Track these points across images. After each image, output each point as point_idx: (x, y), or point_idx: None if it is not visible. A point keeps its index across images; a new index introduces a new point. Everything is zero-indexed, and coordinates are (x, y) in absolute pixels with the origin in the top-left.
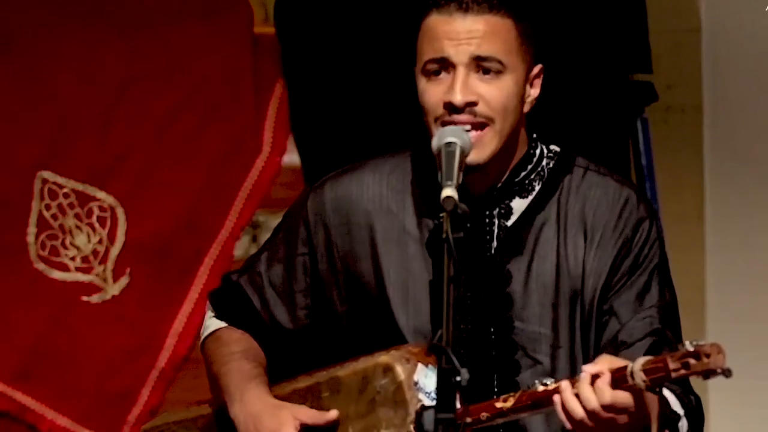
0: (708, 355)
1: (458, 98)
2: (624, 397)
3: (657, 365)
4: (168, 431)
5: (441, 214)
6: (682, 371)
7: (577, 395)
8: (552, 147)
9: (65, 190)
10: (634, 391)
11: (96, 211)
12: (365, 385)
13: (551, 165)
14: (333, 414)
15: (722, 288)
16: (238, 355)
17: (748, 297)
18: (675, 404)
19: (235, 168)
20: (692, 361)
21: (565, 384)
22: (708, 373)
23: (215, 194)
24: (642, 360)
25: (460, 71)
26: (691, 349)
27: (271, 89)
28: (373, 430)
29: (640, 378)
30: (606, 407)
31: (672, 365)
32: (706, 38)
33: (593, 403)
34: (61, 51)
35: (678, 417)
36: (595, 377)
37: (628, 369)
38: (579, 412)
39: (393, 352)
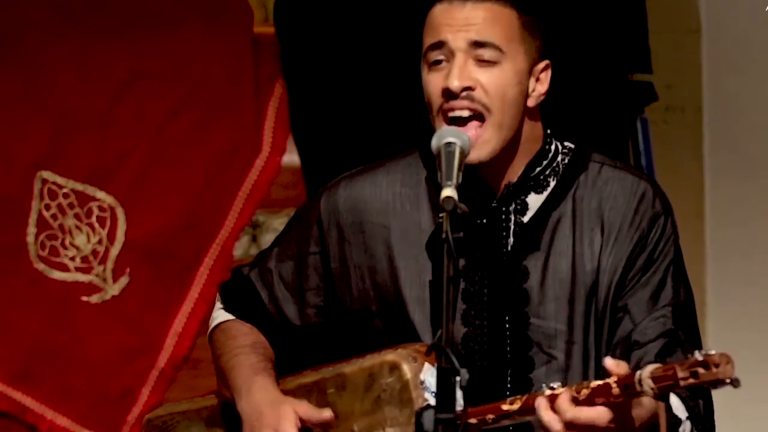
0: (717, 365)
1: (455, 83)
2: (589, 416)
3: (666, 373)
4: (172, 422)
5: (441, 215)
6: (691, 380)
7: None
8: (566, 143)
9: (65, 190)
10: (614, 405)
11: (96, 211)
12: (371, 382)
13: (566, 161)
14: (327, 414)
15: (722, 288)
16: (246, 349)
17: (749, 296)
18: (678, 408)
19: (234, 168)
20: (701, 370)
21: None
22: (716, 383)
23: (215, 194)
24: (651, 368)
25: (459, 57)
26: (700, 358)
27: (271, 89)
28: (378, 428)
29: (648, 385)
30: (567, 424)
31: (681, 374)
32: (706, 38)
33: (556, 425)
34: (61, 51)
35: (679, 421)
36: (554, 398)
37: (636, 376)
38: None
39: (400, 350)
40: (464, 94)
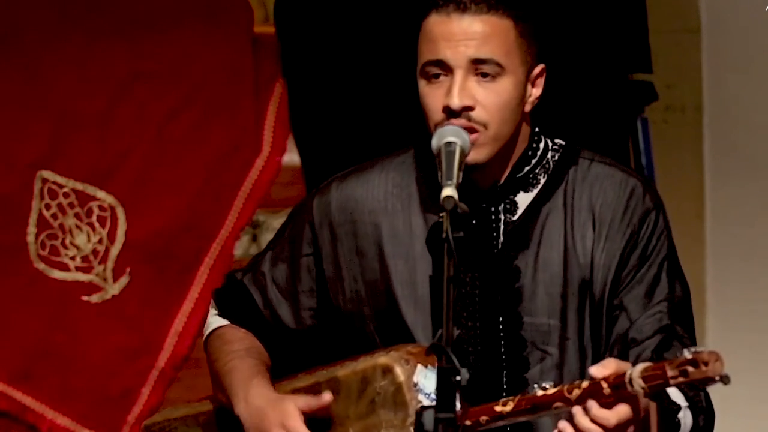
0: (706, 363)
1: (456, 102)
2: (625, 412)
3: (655, 372)
4: (169, 427)
5: (441, 214)
6: (681, 378)
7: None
8: (557, 140)
9: (65, 190)
10: (632, 399)
11: (96, 211)
12: (365, 385)
13: (556, 158)
14: (327, 397)
15: (722, 287)
16: (242, 353)
17: (748, 296)
18: (676, 396)
19: (234, 168)
20: (690, 368)
21: (576, 409)
22: (706, 381)
23: (215, 194)
24: (641, 367)
25: (458, 75)
26: (690, 356)
27: (271, 89)
28: (373, 431)
29: (638, 385)
30: (612, 429)
31: (670, 372)
32: (706, 38)
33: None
34: (61, 51)
35: (678, 408)
36: (586, 405)
37: (627, 375)
38: None
39: (392, 353)
40: (463, 113)
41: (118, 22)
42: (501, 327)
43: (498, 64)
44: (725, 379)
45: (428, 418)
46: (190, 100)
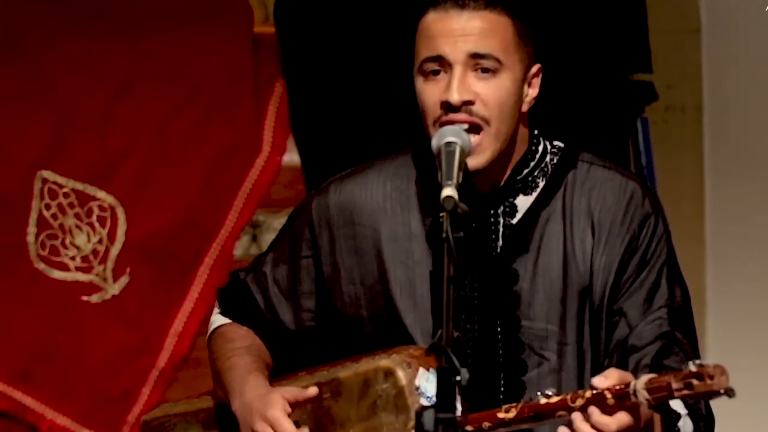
0: (711, 377)
1: (455, 97)
2: (626, 419)
3: (660, 384)
4: (169, 423)
5: (441, 214)
6: (685, 391)
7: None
8: (555, 143)
9: (65, 190)
10: (633, 407)
11: (96, 211)
12: (366, 388)
13: (555, 161)
14: (313, 390)
15: (722, 288)
16: (242, 351)
17: (748, 296)
18: (676, 404)
19: (234, 168)
20: (695, 381)
21: (575, 415)
22: (711, 395)
23: (215, 194)
24: (645, 378)
25: (457, 70)
26: (695, 369)
27: (271, 89)
28: None
29: (643, 396)
30: None
31: (675, 385)
32: (706, 38)
33: None
34: (61, 51)
35: (678, 416)
36: (586, 412)
37: (631, 387)
38: None
39: (394, 355)
40: (463, 108)
41: (118, 22)
42: (499, 330)
43: (497, 60)
44: (730, 393)
45: (428, 418)
46: (190, 100)
